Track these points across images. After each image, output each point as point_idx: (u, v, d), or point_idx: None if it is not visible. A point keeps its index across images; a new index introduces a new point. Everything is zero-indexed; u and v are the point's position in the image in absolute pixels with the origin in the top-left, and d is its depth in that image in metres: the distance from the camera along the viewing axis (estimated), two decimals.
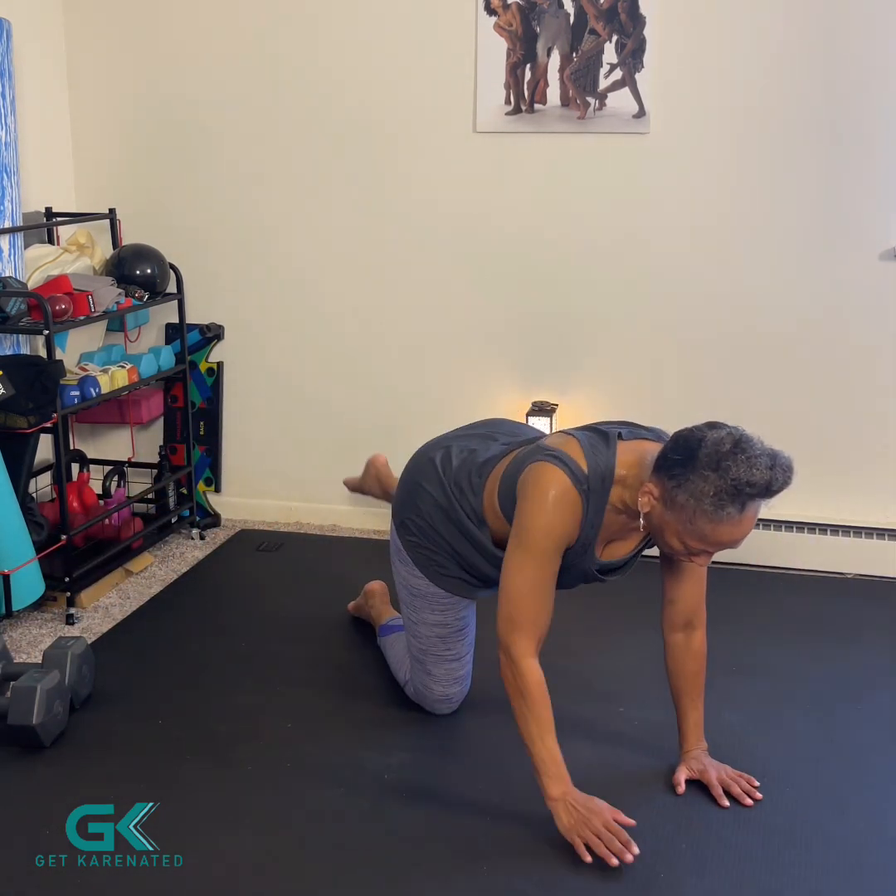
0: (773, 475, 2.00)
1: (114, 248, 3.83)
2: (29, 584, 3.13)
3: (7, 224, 3.34)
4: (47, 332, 3.16)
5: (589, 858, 2.13)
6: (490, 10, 3.57)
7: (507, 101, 3.62)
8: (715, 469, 2.01)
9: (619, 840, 2.13)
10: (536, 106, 3.60)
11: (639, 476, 2.19)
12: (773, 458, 2.02)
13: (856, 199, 3.46)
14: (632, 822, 2.18)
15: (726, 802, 2.36)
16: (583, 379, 3.78)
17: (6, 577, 3.03)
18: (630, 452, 2.24)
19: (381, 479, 3.20)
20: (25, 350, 3.41)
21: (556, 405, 3.75)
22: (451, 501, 2.48)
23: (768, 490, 2.01)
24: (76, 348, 3.72)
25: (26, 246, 3.55)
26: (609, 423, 2.37)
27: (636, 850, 2.12)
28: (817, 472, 3.63)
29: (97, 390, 3.44)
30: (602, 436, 2.28)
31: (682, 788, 2.40)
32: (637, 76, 3.50)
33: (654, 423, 2.39)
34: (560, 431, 2.38)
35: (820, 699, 2.85)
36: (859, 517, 3.65)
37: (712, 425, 2.10)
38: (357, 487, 3.33)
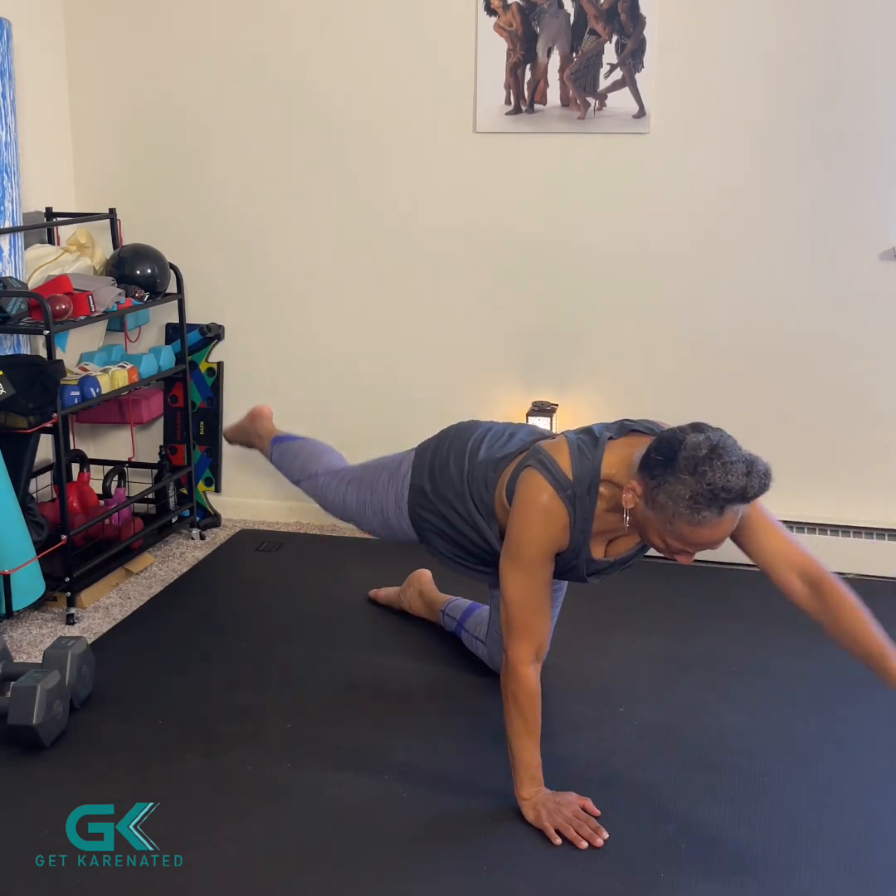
0: (749, 481, 2.02)
1: (114, 248, 3.83)
2: (29, 584, 3.13)
3: (7, 224, 3.34)
4: (47, 332, 3.16)
5: (558, 840, 2.22)
6: (490, 10, 3.57)
7: (507, 101, 3.62)
8: (691, 473, 2.03)
9: (589, 826, 2.24)
10: (536, 106, 3.60)
11: (627, 474, 2.23)
12: (749, 464, 2.03)
13: (856, 200, 3.46)
14: (597, 812, 2.29)
15: None
16: (583, 379, 3.78)
17: (6, 577, 3.03)
18: (618, 452, 2.28)
19: (260, 432, 3.26)
20: (25, 350, 3.41)
21: (556, 405, 3.76)
22: (465, 490, 2.55)
23: (744, 496, 2.03)
24: (76, 348, 3.71)
25: (26, 246, 3.55)
26: (604, 424, 2.40)
27: (605, 834, 2.23)
28: (817, 472, 3.64)
29: (97, 390, 3.44)
30: (592, 438, 2.33)
31: None
32: (637, 76, 3.51)
33: (659, 420, 2.40)
34: (561, 434, 2.43)
35: (820, 699, 2.84)
36: (859, 517, 3.65)
37: (695, 427, 2.12)
38: (235, 437, 3.40)
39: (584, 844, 2.21)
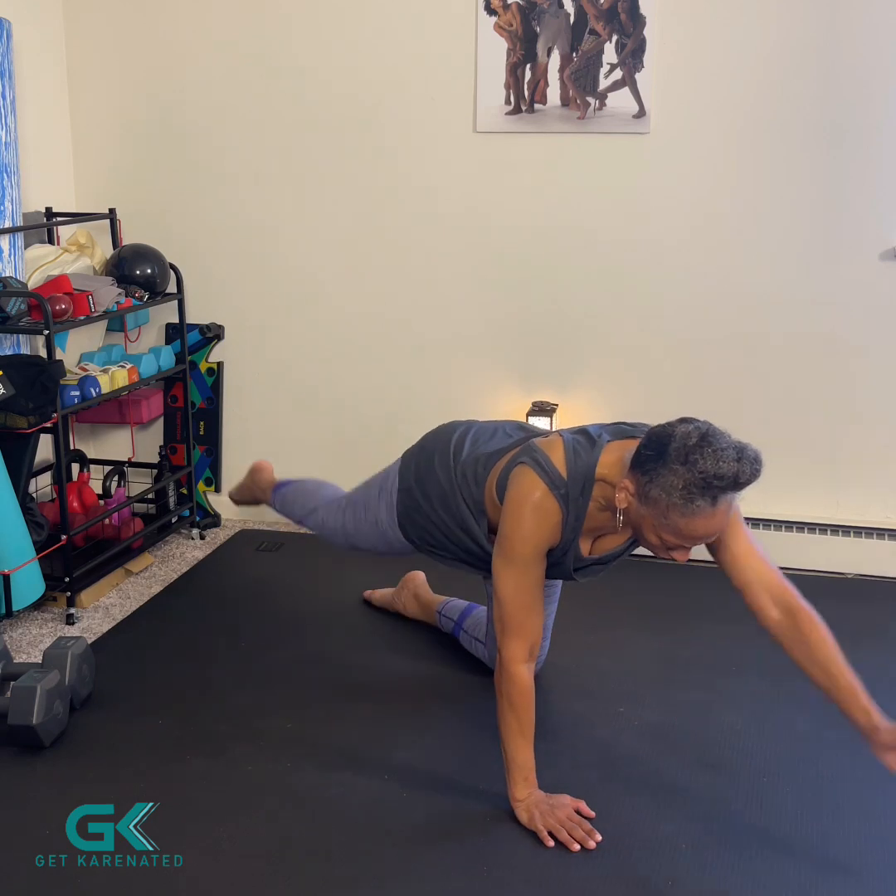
0: (740, 467, 2.03)
1: (114, 248, 3.83)
2: (29, 584, 3.13)
3: (7, 224, 3.34)
4: (47, 332, 3.16)
5: (551, 843, 2.22)
6: (490, 10, 3.57)
7: (507, 101, 3.62)
8: (683, 463, 2.05)
9: (583, 828, 2.23)
10: (536, 106, 3.60)
11: (620, 474, 2.24)
12: (739, 450, 2.05)
13: (856, 200, 3.46)
14: (592, 813, 2.28)
15: None
16: (583, 379, 3.78)
17: (6, 577, 3.04)
18: (613, 453, 2.29)
19: (257, 485, 3.36)
20: (25, 350, 3.41)
21: (556, 405, 3.76)
22: (454, 488, 2.54)
23: (736, 482, 2.04)
24: (76, 348, 3.72)
25: (26, 246, 3.55)
26: (600, 425, 2.41)
27: (599, 837, 2.22)
28: (817, 471, 3.64)
29: (97, 390, 3.44)
30: (589, 438, 2.33)
31: None
32: (637, 76, 3.50)
33: (654, 423, 2.39)
34: (555, 432, 2.44)
35: (820, 699, 2.84)
36: (859, 517, 3.65)
37: (683, 420, 2.14)
38: (240, 496, 3.50)
39: (577, 847, 2.20)
